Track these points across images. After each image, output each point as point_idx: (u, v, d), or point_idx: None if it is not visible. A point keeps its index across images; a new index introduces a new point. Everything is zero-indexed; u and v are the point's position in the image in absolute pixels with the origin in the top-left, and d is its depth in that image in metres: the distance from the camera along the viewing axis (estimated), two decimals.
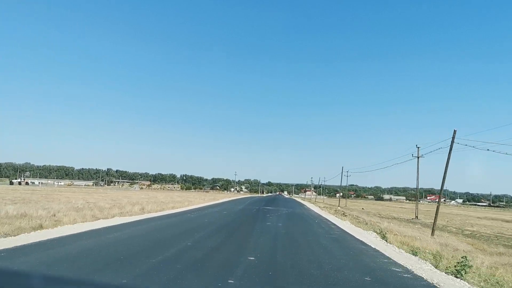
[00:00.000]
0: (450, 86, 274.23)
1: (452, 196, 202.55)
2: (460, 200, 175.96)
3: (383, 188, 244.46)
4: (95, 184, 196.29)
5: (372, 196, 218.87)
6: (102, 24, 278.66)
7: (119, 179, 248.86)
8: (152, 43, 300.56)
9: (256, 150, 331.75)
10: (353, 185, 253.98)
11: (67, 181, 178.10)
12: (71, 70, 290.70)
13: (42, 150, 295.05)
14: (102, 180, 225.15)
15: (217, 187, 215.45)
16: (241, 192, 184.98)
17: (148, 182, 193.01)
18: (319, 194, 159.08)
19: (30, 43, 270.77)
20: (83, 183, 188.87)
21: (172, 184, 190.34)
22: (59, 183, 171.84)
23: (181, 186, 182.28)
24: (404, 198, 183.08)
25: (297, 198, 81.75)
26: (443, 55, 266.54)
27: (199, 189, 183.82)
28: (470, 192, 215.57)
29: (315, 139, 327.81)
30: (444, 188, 21.79)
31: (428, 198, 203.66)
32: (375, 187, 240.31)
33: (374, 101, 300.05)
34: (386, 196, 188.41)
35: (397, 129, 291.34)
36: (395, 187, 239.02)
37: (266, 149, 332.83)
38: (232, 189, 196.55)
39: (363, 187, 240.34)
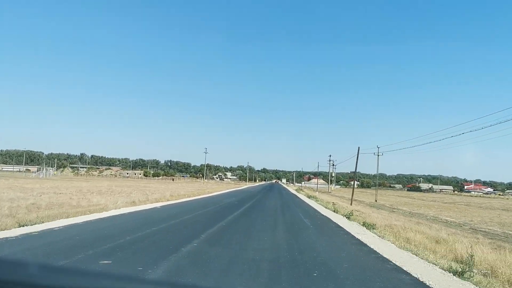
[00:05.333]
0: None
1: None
2: None
3: (409, 174, 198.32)
4: (38, 170, 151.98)
5: (399, 185, 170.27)
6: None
7: (94, 165, 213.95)
8: (136, 23, 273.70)
9: (251, 135, 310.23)
10: (358, 172, 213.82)
11: None
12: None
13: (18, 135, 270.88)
14: (54, 165, 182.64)
15: (201, 174, 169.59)
16: (225, 180, 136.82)
17: (103, 168, 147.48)
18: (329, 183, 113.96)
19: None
20: (16, 168, 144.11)
21: (128, 170, 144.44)
22: None
23: (144, 172, 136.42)
24: (451, 188, 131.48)
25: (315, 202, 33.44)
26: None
27: (170, 175, 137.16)
28: None
29: (315, 124, 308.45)
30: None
31: (466, 187, 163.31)
32: (378, 173, 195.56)
33: (379, 86, 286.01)
34: (424, 186, 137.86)
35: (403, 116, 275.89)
36: (426, 175, 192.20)
37: (262, 133, 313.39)
38: (216, 176, 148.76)
39: (368, 174, 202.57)
